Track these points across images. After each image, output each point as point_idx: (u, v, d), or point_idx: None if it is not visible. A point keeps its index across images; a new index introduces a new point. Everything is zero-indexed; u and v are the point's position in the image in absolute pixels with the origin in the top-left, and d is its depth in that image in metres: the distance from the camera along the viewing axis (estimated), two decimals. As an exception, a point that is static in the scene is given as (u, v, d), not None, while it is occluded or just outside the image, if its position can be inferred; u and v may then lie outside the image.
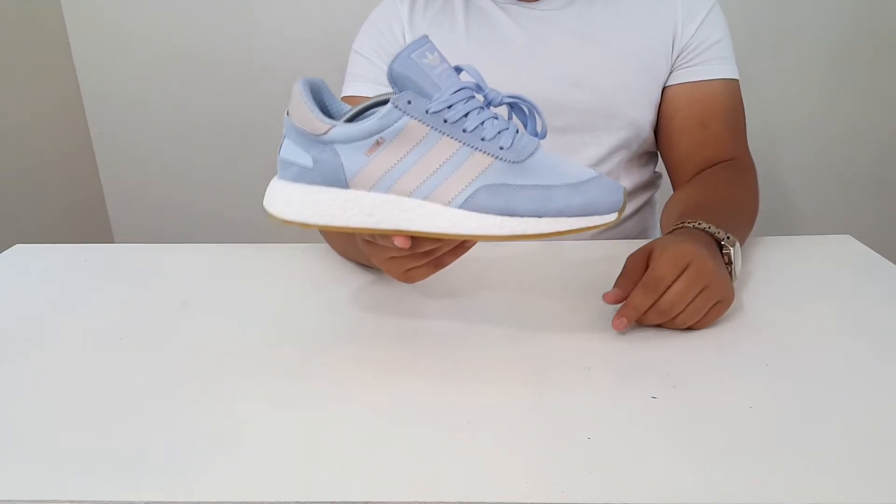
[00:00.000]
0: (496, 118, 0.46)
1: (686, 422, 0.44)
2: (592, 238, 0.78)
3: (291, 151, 0.47)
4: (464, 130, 0.45)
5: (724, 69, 0.80)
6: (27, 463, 0.41)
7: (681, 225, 0.61)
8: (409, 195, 0.46)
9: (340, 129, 0.45)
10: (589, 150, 0.81)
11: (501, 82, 0.51)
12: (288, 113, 0.47)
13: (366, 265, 0.68)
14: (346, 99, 0.83)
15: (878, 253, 0.71)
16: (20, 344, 0.56)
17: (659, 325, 0.55)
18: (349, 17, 1.50)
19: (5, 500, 0.38)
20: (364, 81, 0.82)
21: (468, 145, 0.45)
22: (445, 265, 0.53)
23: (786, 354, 0.52)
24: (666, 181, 0.89)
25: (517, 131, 0.47)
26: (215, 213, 1.71)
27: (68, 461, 0.41)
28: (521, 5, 0.81)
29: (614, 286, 0.57)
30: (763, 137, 1.55)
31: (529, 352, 0.53)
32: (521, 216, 0.45)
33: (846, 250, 0.73)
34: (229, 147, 1.64)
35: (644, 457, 0.41)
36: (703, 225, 0.60)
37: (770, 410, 0.45)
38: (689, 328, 0.55)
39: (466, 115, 0.45)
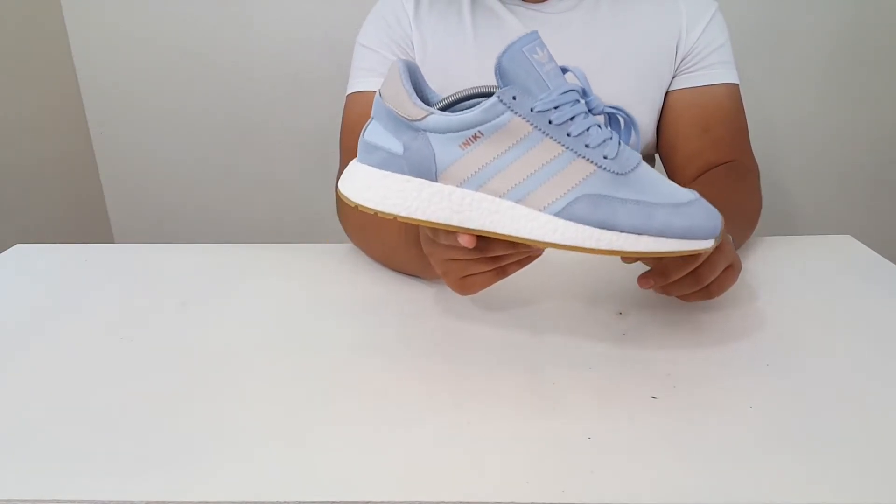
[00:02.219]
0: (600, 126, 0.44)
1: (686, 422, 0.44)
2: None
3: (379, 135, 0.45)
4: (568, 134, 0.43)
5: (727, 74, 0.80)
6: (27, 463, 0.41)
7: None
8: (502, 196, 0.43)
9: (438, 117, 0.43)
10: None
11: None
12: (380, 94, 0.45)
13: (412, 274, 0.66)
14: (355, 96, 0.81)
15: (878, 253, 0.71)
16: (20, 344, 0.56)
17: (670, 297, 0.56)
18: (349, 17, 1.50)
19: (5, 500, 0.38)
20: (374, 76, 0.80)
21: (571, 150, 0.43)
22: (509, 275, 0.50)
23: (786, 354, 0.52)
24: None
25: (619, 142, 0.45)
26: (215, 212, 1.71)
27: (68, 461, 0.41)
28: (527, 6, 0.81)
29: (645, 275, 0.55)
30: (763, 138, 1.54)
31: (530, 351, 0.53)
32: (621, 231, 0.43)
33: (846, 250, 0.73)
34: (229, 147, 1.64)
35: (644, 457, 0.41)
36: None
37: (770, 410, 0.45)
38: (705, 296, 0.54)
39: (572, 118, 0.43)
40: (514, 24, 0.80)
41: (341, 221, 0.73)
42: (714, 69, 0.80)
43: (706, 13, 0.81)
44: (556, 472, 0.40)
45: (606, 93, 0.80)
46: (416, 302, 0.62)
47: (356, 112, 0.79)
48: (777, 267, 0.68)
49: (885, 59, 1.51)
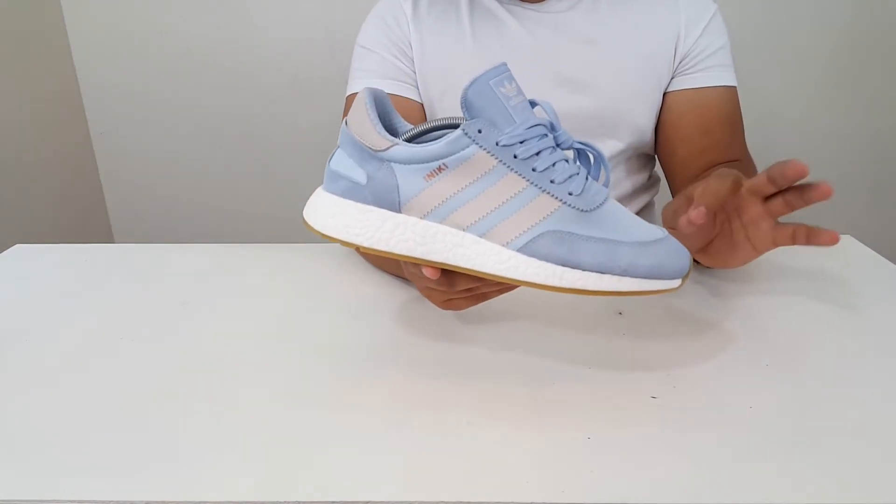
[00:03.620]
0: (567, 161, 0.44)
1: (686, 422, 0.44)
2: None
3: (344, 164, 0.44)
4: (533, 169, 0.42)
5: (725, 76, 0.80)
6: (27, 463, 0.41)
7: None
8: (465, 229, 0.43)
9: (402, 148, 0.43)
10: None
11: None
12: (346, 123, 0.45)
13: (405, 279, 0.67)
14: (353, 97, 0.82)
15: (879, 253, 0.71)
16: (20, 344, 0.56)
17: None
18: (349, 17, 1.50)
19: (5, 500, 0.38)
20: (373, 77, 0.81)
21: (536, 185, 0.42)
22: (488, 299, 0.50)
23: (786, 354, 0.52)
24: (664, 183, 0.89)
25: (587, 178, 0.44)
26: (215, 212, 1.71)
27: (68, 461, 0.41)
28: (526, 6, 0.80)
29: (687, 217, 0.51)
30: (762, 138, 1.55)
31: (529, 351, 0.53)
32: (584, 269, 0.42)
33: (846, 250, 0.73)
34: (229, 147, 1.65)
35: (644, 457, 0.41)
36: None
37: (770, 410, 0.45)
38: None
39: (538, 153, 0.42)
40: (513, 25, 0.80)
41: None
42: (713, 71, 0.80)
43: (705, 14, 0.81)
44: (556, 472, 0.40)
45: (605, 92, 0.81)
46: (416, 302, 0.62)
47: None
48: (777, 267, 0.68)
49: (884, 59, 1.51)
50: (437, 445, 0.42)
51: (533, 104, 0.44)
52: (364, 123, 0.43)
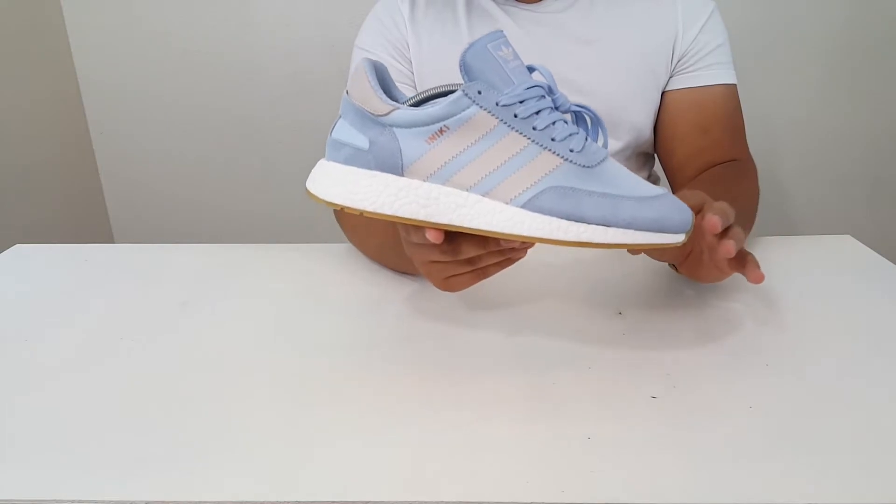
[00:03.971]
0: (566, 121, 0.44)
1: (686, 422, 0.44)
2: None
3: (346, 132, 0.45)
4: (534, 128, 0.43)
5: (724, 74, 0.80)
6: (27, 463, 0.41)
7: None
8: (468, 189, 0.43)
9: (403, 111, 0.43)
10: None
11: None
12: (347, 92, 0.45)
13: (403, 272, 0.67)
14: None
15: (878, 253, 0.71)
16: (20, 344, 0.56)
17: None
18: (349, 18, 1.50)
19: (5, 500, 0.38)
20: None
21: (537, 143, 0.43)
22: (489, 275, 0.50)
23: (786, 354, 0.52)
24: (664, 182, 0.89)
25: (586, 138, 0.45)
26: (215, 212, 1.71)
27: (68, 461, 0.41)
28: (522, 7, 0.80)
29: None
30: (762, 138, 1.55)
31: (529, 351, 0.53)
32: (588, 223, 0.42)
33: (846, 250, 0.73)
34: (229, 147, 1.64)
35: (644, 457, 0.41)
36: None
37: (770, 410, 0.45)
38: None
39: (538, 112, 0.43)
40: (509, 25, 0.80)
41: (338, 221, 0.73)
42: (712, 69, 0.80)
43: (703, 13, 0.81)
44: (556, 472, 0.40)
45: (603, 92, 0.81)
46: (416, 302, 0.62)
47: None
48: (777, 267, 0.68)
49: (884, 59, 1.51)
50: (437, 445, 0.42)
51: (531, 69, 0.45)
52: (365, 90, 0.43)
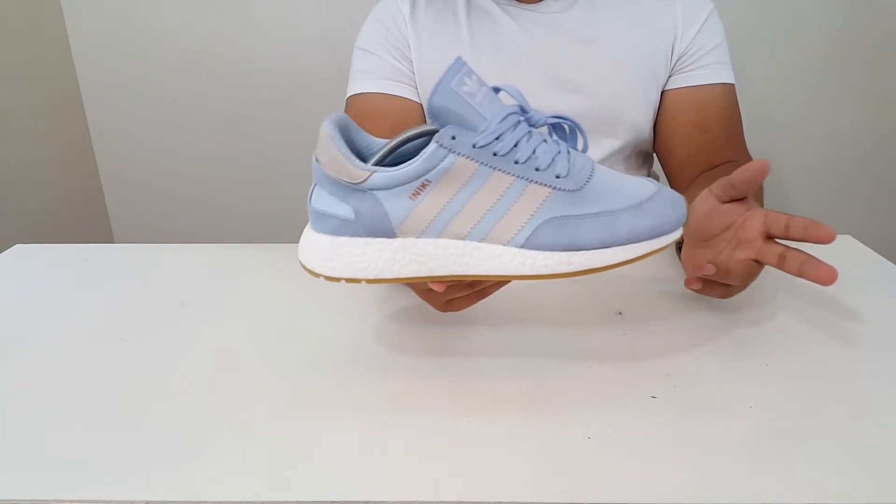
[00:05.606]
0: (545, 141, 0.43)
1: (686, 422, 0.44)
2: None
3: (326, 202, 0.43)
4: (516, 162, 0.41)
5: (723, 74, 0.80)
6: (27, 463, 0.41)
7: None
8: (464, 238, 0.42)
9: (381, 175, 0.41)
10: (589, 153, 0.82)
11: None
12: (317, 159, 0.43)
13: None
14: (354, 98, 0.82)
15: (878, 253, 0.71)
16: (20, 344, 0.56)
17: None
18: (349, 18, 1.50)
19: (5, 500, 0.38)
20: (372, 78, 0.82)
21: (522, 178, 0.42)
22: (488, 295, 0.50)
23: (786, 354, 0.52)
24: (663, 182, 0.89)
25: (569, 152, 0.43)
26: (215, 212, 1.71)
27: (68, 461, 0.41)
28: (522, 7, 0.81)
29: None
30: (762, 137, 1.55)
31: (529, 351, 0.53)
32: (588, 249, 0.42)
33: (846, 250, 0.73)
34: (229, 147, 1.65)
35: (644, 457, 0.41)
36: None
37: (770, 410, 0.45)
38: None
39: (516, 144, 0.42)
40: (509, 25, 0.80)
41: None
42: (711, 69, 0.80)
43: (702, 12, 0.81)
44: (556, 472, 0.40)
45: (602, 92, 0.81)
46: (416, 302, 0.62)
47: (355, 114, 0.80)
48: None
49: (884, 58, 1.51)
50: (436, 445, 0.42)
51: (497, 90, 0.44)
52: (337, 159, 0.42)
